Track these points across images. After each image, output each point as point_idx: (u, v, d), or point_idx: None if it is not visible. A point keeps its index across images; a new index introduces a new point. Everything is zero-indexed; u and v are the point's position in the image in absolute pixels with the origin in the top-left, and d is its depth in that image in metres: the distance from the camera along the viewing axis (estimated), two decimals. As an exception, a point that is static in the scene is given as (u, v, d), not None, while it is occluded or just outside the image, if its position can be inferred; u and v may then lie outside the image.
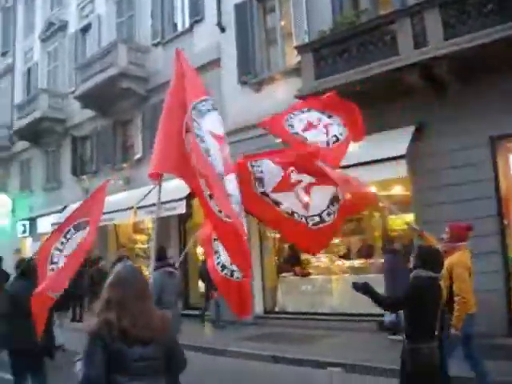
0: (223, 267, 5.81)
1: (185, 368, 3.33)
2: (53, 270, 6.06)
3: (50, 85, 24.15)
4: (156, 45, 18.34)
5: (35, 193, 24.96)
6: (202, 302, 16.97)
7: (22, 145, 25.80)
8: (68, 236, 6.23)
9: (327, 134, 6.39)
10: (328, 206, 5.74)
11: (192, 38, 17.10)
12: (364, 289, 4.96)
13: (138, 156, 18.42)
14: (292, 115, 6.45)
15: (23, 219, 25.31)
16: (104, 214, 16.36)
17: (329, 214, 5.71)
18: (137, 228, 20.17)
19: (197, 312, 16.18)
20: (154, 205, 14.29)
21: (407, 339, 4.89)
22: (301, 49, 13.00)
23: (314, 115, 6.51)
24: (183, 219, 17.24)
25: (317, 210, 5.71)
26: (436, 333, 4.89)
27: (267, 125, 6.75)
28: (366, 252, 14.61)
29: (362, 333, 11.59)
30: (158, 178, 4.89)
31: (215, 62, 16.11)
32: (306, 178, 5.72)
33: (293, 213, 5.66)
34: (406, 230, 10.81)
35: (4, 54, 29.10)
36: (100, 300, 3.06)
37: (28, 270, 6.63)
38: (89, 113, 20.74)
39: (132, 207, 16.37)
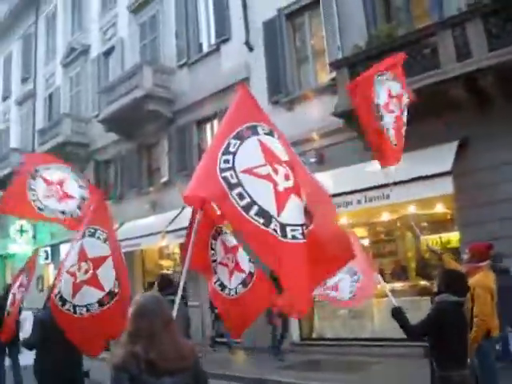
0: (223, 287, 5.26)
1: None
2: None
3: (72, 109, 24.02)
4: (181, 66, 18.12)
5: (58, 219, 24.67)
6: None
7: (44, 171, 25.55)
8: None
9: None
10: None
11: (219, 58, 16.85)
12: (394, 313, 4.84)
13: (164, 179, 18.08)
14: None
15: (45, 245, 25.01)
16: (130, 239, 16.30)
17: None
18: (163, 253, 19.75)
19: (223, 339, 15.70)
20: (182, 229, 14.09)
21: (437, 367, 4.69)
22: (335, 65, 12.64)
23: None
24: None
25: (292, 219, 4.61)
26: (468, 360, 4.70)
27: None
28: (400, 274, 14.12)
29: (408, 359, 10.98)
30: (193, 202, 4.65)
31: (243, 82, 15.77)
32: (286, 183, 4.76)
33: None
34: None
35: (24, 81, 29.12)
36: (125, 331, 2.96)
37: None
38: (112, 136, 20.48)
39: (160, 232, 16.05)
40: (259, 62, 15.37)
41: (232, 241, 5.22)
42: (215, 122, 16.50)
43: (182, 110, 17.67)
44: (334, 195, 11.95)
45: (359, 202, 11.84)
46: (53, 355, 5.99)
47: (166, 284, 7.78)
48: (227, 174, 4.28)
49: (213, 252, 5.23)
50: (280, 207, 4.38)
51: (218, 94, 16.22)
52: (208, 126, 17.38)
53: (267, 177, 4.49)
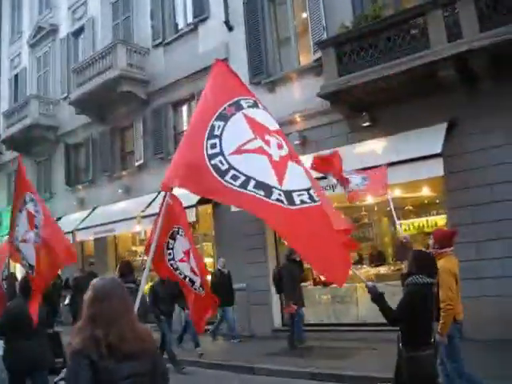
0: (192, 282, 5.14)
1: (168, 379, 3.15)
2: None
3: (39, 91, 23.10)
4: (156, 46, 17.54)
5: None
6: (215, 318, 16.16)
7: (9, 155, 24.65)
8: None
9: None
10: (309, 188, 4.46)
11: (196, 38, 16.34)
12: (375, 297, 4.78)
13: (139, 163, 17.54)
14: None
15: (7, 234, 24.13)
16: (104, 224, 15.74)
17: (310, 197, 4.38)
18: (136, 239, 19.25)
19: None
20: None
21: (404, 347, 4.70)
22: (322, 45, 12.30)
23: None
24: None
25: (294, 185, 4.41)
26: (432, 340, 4.77)
27: None
28: (377, 259, 14.02)
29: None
30: (169, 190, 4.56)
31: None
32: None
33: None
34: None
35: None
36: (83, 316, 2.90)
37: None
38: (83, 119, 19.77)
39: (135, 217, 15.58)
40: (239, 42, 14.93)
41: (186, 245, 5.12)
42: (192, 103, 16.04)
43: (157, 92, 17.14)
44: (319, 178, 11.80)
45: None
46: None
47: (128, 271, 7.98)
48: (216, 160, 4.25)
49: (170, 251, 5.15)
50: (280, 176, 4.31)
51: (195, 75, 15.74)
52: (184, 108, 16.90)
53: (259, 150, 4.44)
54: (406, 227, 13.09)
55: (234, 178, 4.16)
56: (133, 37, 18.30)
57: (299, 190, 4.32)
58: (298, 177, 4.47)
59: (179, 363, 10.87)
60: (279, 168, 4.39)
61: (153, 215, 14.98)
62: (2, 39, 26.96)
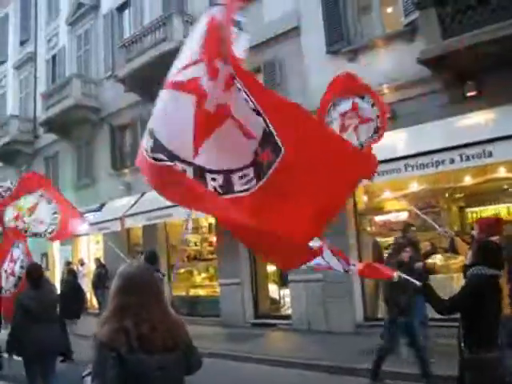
0: None
1: (200, 368, 3.00)
2: None
3: (80, 71, 21.83)
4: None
5: (64, 190, 22.50)
6: (273, 309, 14.95)
7: (47, 138, 23.49)
8: None
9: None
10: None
11: (260, 8, 14.89)
12: (420, 288, 4.63)
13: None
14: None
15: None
16: (158, 209, 14.40)
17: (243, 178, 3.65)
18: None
19: (268, 321, 14.14)
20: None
21: (466, 348, 4.32)
22: (420, 5, 10.77)
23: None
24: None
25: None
26: (500, 340, 4.32)
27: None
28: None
29: None
30: None
31: (292, 32, 13.94)
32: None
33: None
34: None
35: (23, 44, 26.89)
36: (110, 307, 2.73)
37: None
38: (130, 98, 18.48)
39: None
40: (313, 9, 13.50)
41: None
42: (260, 76, 14.69)
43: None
44: (415, 155, 10.41)
45: (452, 161, 10.09)
46: None
47: (154, 260, 8.23)
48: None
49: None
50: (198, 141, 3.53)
51: (260, 46, 14.39)
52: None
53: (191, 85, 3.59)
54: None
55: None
56: (187, 7, 16.91)
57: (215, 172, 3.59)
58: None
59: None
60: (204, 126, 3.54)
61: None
62: (39, 20, 25.74)
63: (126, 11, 20.14)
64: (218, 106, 3.53)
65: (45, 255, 23.39)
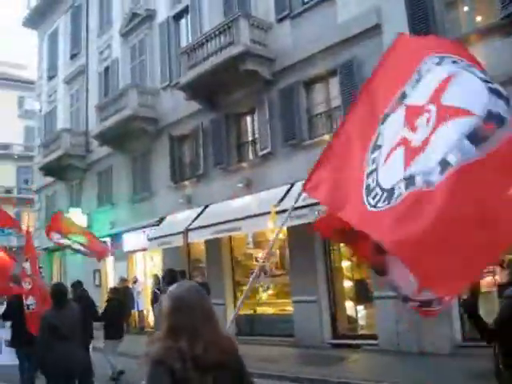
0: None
1: None
2: None
3: (134, 82, 21.31)
4: (281, 20, 15.38)
5: (118, 205, 22.02)
6: (352, 329, 13.94)
7: (100, 152, 23.02)
8: None
9: None
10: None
11: (333, 7, 14.05)
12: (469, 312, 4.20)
13: (264, 151, 15.29)
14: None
15: (103, 236, 22.42)
16: (225, 222, 13.58)
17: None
18: (254, 241, 17.06)
19: (350, 341, 13.16)
20: (304, 207, 11.43)
21: (505, 368, 4.15)
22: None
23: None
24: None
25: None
26: None
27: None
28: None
29: None
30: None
31: (371, 31, 13.04)
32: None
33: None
34: None
35: (74, 57, 26.65)
36: (162, 327, 2.72)
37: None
38: (190, 108, 17.83)
39: (267, 212, 13.35)
40: (393, 4, 12.60)
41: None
42: (332, 80, 13.81)
43: (284, 70, 14.93)
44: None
45: None
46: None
47: (173, 279, 8.10)
48: (369, 180, 3.69)
49: None
50: (409, 159, 3.44)
51: (333, 48, 13.60)
52: (319, 87, 14.60)
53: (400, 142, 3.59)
54: None
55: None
56: (251, 11, 16.18)
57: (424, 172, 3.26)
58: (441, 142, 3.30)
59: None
60: (413, 153, 3.43)
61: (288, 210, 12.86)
62: (90, 32, 25.46)
63: (183, 19, 19.57)
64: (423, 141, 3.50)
65: (97, 271, 22.82)
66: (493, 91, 3.34)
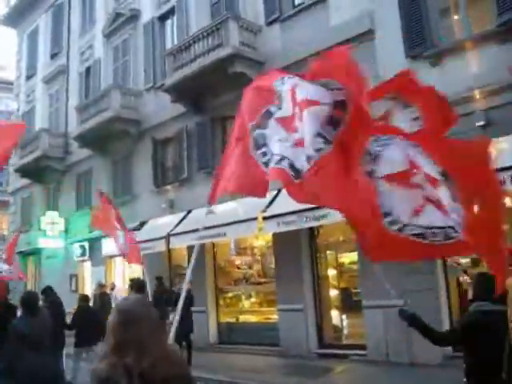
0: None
1: None
2: None
3: (116, 83, 20.86)
4: (271, 23, 15.17)
5: (97, 209, 21.49)
6: (338, 338, 13.68)
7: (80, 154, 22.47)
8: None
9: None
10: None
11: (325, 10, 13.89)
12: (409, 320, 4.37)
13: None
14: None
15: (81, 240, 21.90)
16: (211, 228, 13.27)
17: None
18: (236, 248, 16.75)
19: (337, 351, 12.89)
20: (283, 214, 11.17)
21: (468, 381, 4.40)
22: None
23: None
24: (313, 234, 13.86)
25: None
26: (503, 375, 4.13)
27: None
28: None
29: None
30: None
31: (363, 36, 12.86)
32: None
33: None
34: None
35: (54, 57, 26.13)
36: (108, 342, 2.59)
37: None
38: (174, 111, 17.48)
39: (254, 218, 13.07)
40: (389, 9, 12.43)
41: None
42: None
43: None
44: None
45: None
46: None
47: (141, 290, 8.32)
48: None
49: None
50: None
51: (325, 52, 13.33)
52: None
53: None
54: None
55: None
56: (240, 15, 15.91)
57: None
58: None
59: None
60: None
61: (276, 216, 12.60)
62: (72, 32, 24.97)
63: (169, 20, 19.26)
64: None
65: (74, 276, 22.27)
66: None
